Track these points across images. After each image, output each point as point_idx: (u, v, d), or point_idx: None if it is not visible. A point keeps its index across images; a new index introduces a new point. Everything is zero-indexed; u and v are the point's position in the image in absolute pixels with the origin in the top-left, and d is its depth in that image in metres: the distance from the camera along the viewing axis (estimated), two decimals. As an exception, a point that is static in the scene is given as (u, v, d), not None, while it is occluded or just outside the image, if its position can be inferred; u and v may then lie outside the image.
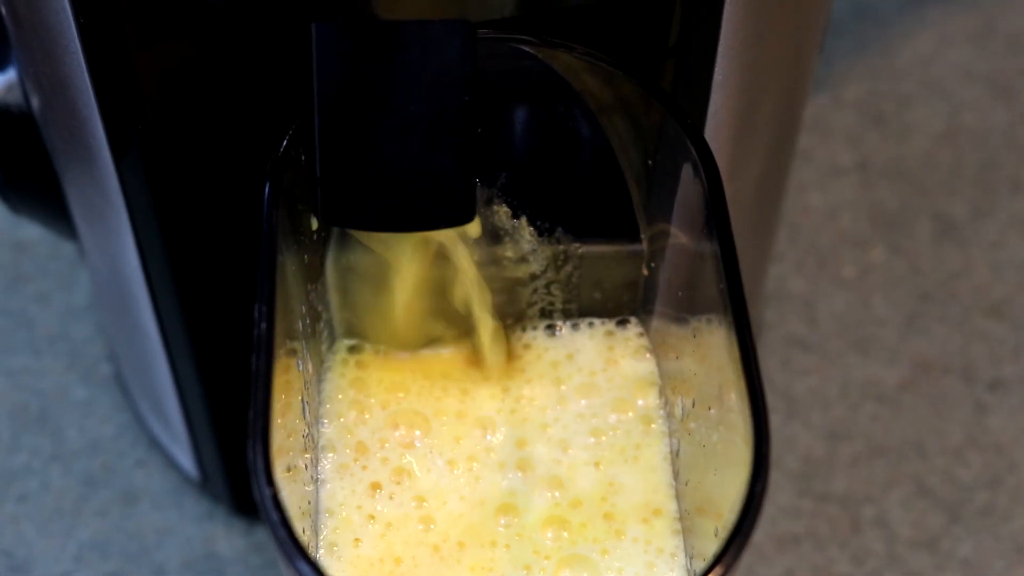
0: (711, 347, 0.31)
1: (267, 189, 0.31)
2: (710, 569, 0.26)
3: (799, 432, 0.52)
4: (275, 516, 0.27)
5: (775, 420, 0.52)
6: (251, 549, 0.49)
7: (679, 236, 0.34)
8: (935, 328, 0.55)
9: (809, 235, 0.58)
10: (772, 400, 0.53)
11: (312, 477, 0.33)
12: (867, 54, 0.64)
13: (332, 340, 0.36)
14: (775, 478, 0.51)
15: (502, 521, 0.33)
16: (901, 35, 0.65)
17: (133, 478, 0.51)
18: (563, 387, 0.36)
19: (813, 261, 0.57)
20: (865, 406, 0.53)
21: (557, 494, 0.34)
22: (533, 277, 0.36)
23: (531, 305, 0.37)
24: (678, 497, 0.33)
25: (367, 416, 0.35)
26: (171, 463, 0.51)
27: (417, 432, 0.35)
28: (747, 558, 0.49)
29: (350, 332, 0.36)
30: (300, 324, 0.33)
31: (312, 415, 0.34)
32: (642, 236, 0.36)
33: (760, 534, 0.49)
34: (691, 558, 0.32)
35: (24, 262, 0.57)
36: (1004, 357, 0.54)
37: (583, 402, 0.35)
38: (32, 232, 0.57)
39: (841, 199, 0.59)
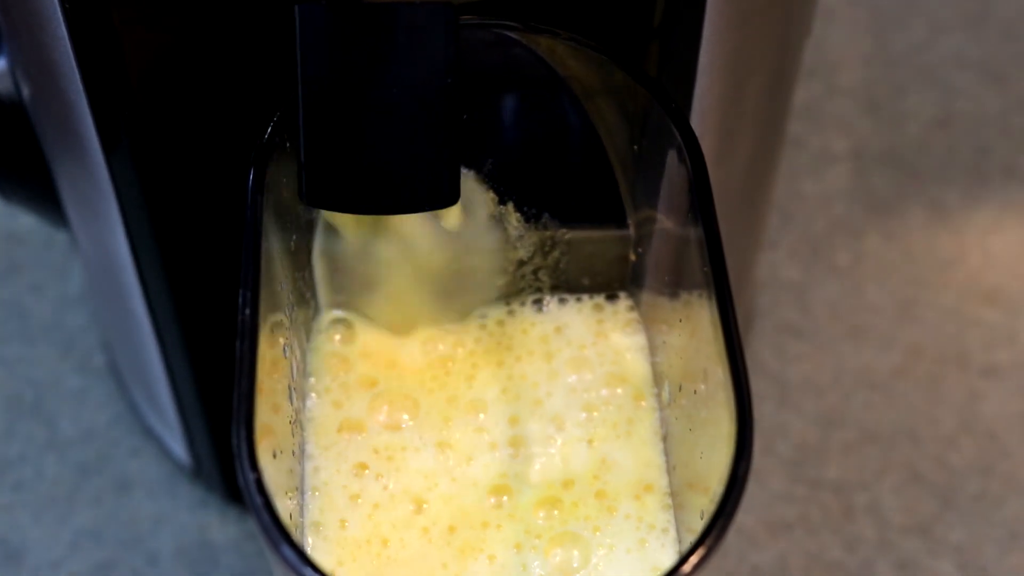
0: (697, 330, 0.31)
1: (251, 175, 0.31)
2: (693, 549, 0.26)
3: (792, 419, 0.52)
4: (259, 500, 0.27)
5: (768, 407, 0.52)
6: (244, 537, 0.49)
7: (665, 221, 0.34)
8: (928, 315, 0.55)
9: (802, 222, 0.58)
10: (765, 387, 0.53)
11: (298, 458, 0.33)
12: (860, 41, 0.64)
13: (317, 315, 0.36)
14: (768, 464, 0.51)
15: (492, 501, 0.33)
16: (895, 22, 0.65)
17: (127, 467, 0.51)
18: (553, 362, 0.35)
19: (806, 248, 0.57)
20: (858, 393, 0.53)
21: (550, 473, 0.34)
22: (521, 263, 0.36)
23: (520, 291, 0.37)
24: (669, 472, 0.33)
25: (354, 393, 0.35)
26: (165, 452, 0.51)
27: (405, 411, 0.35)
28: (740, 544, 0.49)
29: (337, 308, 0.36)
30: (287, 309, 0.33)
31: (299, 397, 0.34)
32: (629, 221, 0.36)
33: (753, 520, 0.50)
34: (683, 533, 0.32)
35: (18, 252, 0.57)
36: (997, 344, 0.54)
37: (574, 377, 0.35)
38: (26, 223, 0.57)
39: (835, 186, 0.59)
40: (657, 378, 0.35)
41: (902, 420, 0.52)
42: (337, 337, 0.36)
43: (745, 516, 0.50)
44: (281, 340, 0.32)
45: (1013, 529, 0.49)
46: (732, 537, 0.49)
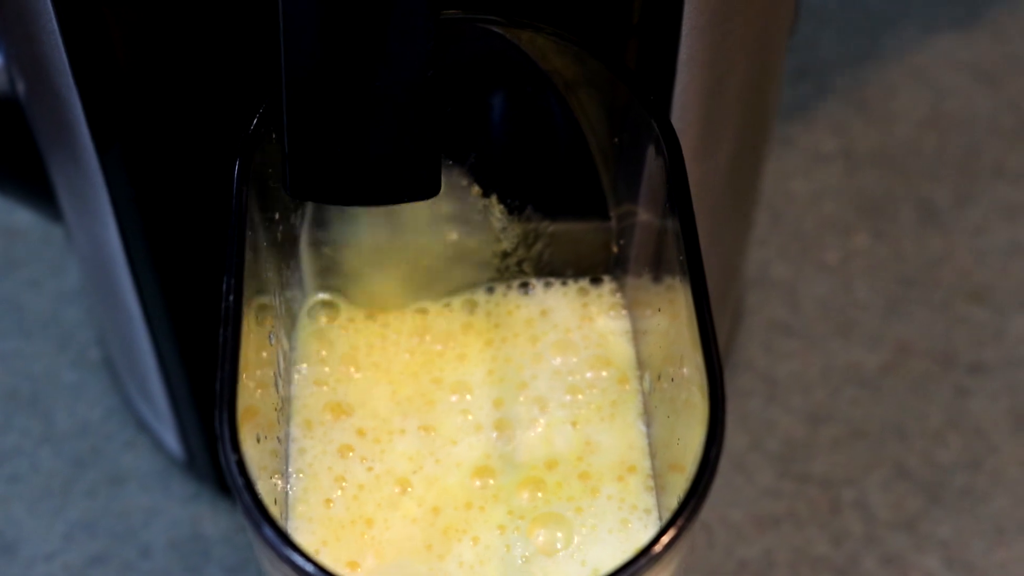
0: (675, 318, 0.32)
1: (237, 166, 0.31)
2: (666, 529, 0.27)
3: (780, 415, 0.53)
4: (240, 481, 0.28)
5: (757, 403, 0.53)
6: (236, 529, 0.50)
7: (645, 214, 0.34)
8: (917, 313, 0.55)
9: (792, 221, 0.58)
10: (754, 383, 0.53)
11: (284, 442, 0.34)
12: (852, 41, 0.65)
13: (304, 300, 0.36)
14: (756, 459, 0.51)
15: (477, 483, 0.33)
16: (886, 23, 0.65)
17: (121, 460, 0.51)
18: (538, 345, 0.36)
19: (796, 246, 0.58)
20: (846, 389, 0.53)
21: (534, 455, 0.34)
22: (505, 254, 0.37)
23: (504, 283, 0.37)
24: (651, 456, 0.34)
25: (339, 375, 0.35)
26: (158, 445, 0.51)
27: (391, 393, 0.35)
28: (726, 538, 0.49)
29: (324, 292, 0.36)
30: (273, 297, 0.34)
31: (284, 383, 0.34)
32: (611, 213, 0.36)
33: (740, 514, 0.50)
34: (664, 515, 0.33)
35: (16, 248, 0.58)
36: (984, 341, 0.55)
37: (559, 359, 0.36)
38: (24, 218, 0.58)
39: (825, 185, 0.60)
40: (639, 365, 0.35)
41: (890, 416, 0.53)
42: (323, 320, 0.36)
43: (732, 511, 0.50)
44: (266, 326, 0.33)
45: (999, 524, 0.50)
46: (719, 531, 0.49)
